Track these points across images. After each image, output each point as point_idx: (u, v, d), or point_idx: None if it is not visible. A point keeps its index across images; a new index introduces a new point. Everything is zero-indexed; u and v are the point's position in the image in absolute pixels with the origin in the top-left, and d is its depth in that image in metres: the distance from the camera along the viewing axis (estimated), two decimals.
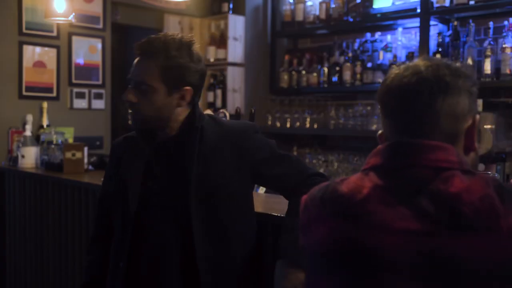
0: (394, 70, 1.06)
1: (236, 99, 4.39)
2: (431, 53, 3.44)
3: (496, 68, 3.18)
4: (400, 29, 3.81)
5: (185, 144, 1.55)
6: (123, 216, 1.57)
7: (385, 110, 1.06)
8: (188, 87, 1.53)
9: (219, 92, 4.41)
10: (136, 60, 1.55)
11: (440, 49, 3.42)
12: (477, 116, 1.05)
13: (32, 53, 3.72)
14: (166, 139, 1.58)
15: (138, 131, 1.60)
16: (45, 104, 3.72)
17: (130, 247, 1.55)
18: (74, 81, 3.93)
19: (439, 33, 3.46)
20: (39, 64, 3.76)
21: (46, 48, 3.79)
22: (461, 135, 1.02)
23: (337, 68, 4.02)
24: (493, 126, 3.01)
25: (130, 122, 1.60)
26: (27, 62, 3.70)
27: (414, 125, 1.01)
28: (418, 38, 3.54)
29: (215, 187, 1.53)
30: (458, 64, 1.06)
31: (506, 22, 3.17)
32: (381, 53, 3.80)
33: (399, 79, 1.03)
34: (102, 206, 1.73)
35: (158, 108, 1.52)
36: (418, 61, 1.05)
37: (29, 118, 3.56)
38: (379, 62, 3.82)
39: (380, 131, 1.10)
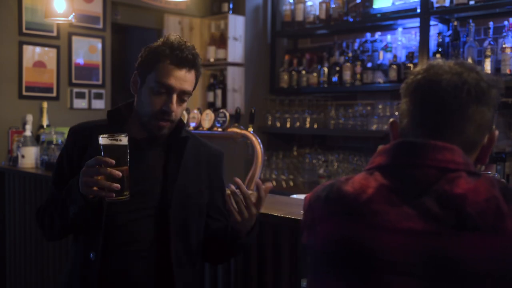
0: (425, 66, 1.04)
1: (236, 99, 4.39)
2: (431, 53, 3.44)
3: (496, 68, 3.18)
4: (400, 29, 3.81)
5: (170, 149, 1.63)
6: (96, 206, 1.53)
7: (414, 100, 1.03)
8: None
9: (219, 92, 4.41)
10: (180, 71, 1.55)
11: (440, 49, 3.42)
12: (496, 132, 1.04)
13: (32, 53, 3.72)
14: (147, 140, 1.63)
15: (151, 132, 1.62)
16: (45, 104, 3.72)
17: (103, 239, 1.55)
18: (74, 81, 3.93)
19: (439, 33, 3.46)
20: (39, 64, 3.76)
21: (46, 48, 3.79)
22: (478, 147, 1.02)
23: (337, 68, 4.02)
24: (493, 126, 3.01)
25: (161, 128, 1.59)
26: (27, 62, 3.70)
27: (437, 124, 1.00)
28: (418, 38, 3.54)
29: (189, 197, 1.61)
30: (491, 75, 1.05)
31: (506, 22, 3.17)
32: (381, 53, 3.80)
33: (438, 76, 1.01)
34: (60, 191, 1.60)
35: (180, 115, 1.64)
36: (452, 63, 1.03)
37: (29, 118, 3.56)
38: (379, 62, 3.82)
39: (392, 119, 1.10)
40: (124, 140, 1.43)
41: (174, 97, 1.55)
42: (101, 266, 1.53)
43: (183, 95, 1.57)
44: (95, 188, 1.40)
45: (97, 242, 1.53)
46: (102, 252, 1.53)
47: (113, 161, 1.39)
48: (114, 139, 1.42)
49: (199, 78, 1.62)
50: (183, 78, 1.55)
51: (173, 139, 1.64)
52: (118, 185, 1.39)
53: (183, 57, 1.54)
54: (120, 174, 1.39)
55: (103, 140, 1.42)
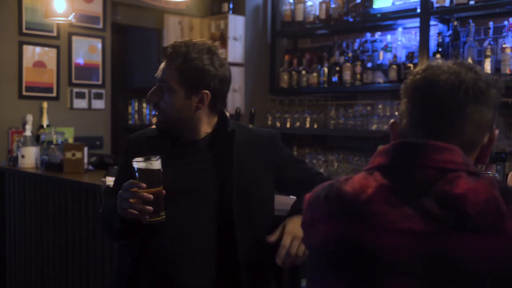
0: (424, 67, 1.04)
1: (236, 99, 4.39)
2: (431, 53, 3.44)
3: (496, 68, 3.17)
4: (400, 29, 3.81)
5: (219, 146, 1.62)
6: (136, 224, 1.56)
7: (412, 100, 1.03)
8: (206, 91, 1.59)
9: None
10: (163, 63, 1.63)
11: (440, 49, 3.42)
12: (496, 132, 1.04)
13: (32, 53, 3.72)
14: (193, 141, 1.63)
15: (161, 130, 1.66)
16: (45, 104, 3.72)
17: (141, 242, 1.57)
18: (74, 81, 3.93)
19: (439, 33, 3.46)
20: (39, 64, 3.76)
21: (46, 48, 3.79)
22: (477, 146, 1.02)
23: (337, 68, 4.02)
24: (494, 126, 3.01)
25: (155, 121, 1.65)
26: (27, 62, 3.70)
27: (436, 124, 0.99)
28: (418, 38, 3.54)
29: (249, 188, 1.60)
30: (491, 75, 1.04)
31: (506, 22, 3.16)
32: (381, 53, 3.80)
33: (436, 76, 1.01)
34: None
35: (177, 109, 1.59)
36: (451, 63, 1.03)
37: (29, 118, 3.56)
38: (379, 62, 3.81)
39: (392, 120, 1.10)
40: (155, 163, 1.46)
41: (154, 87, 1.61)
42: (135, 270, 1.56)
43: (162, 85, 1.59)
44: (130, 211, 1.43)
45: (133, 247, 1.58)
46: (138, 257, 1.57)
47: (144, 185, 1.42)
48: (146, 162, 1.45)
49: (189, 72, 1.57)
50: (162, 68, 1.61)
51: (220, 136, 1.63)
52: (151, 208, 1.42)
53: (163, 47, 1.63)
54: (152, 197, 1.42)
55: (136, 163, 1.46)
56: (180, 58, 1.57)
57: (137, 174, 1.46)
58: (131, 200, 1.42)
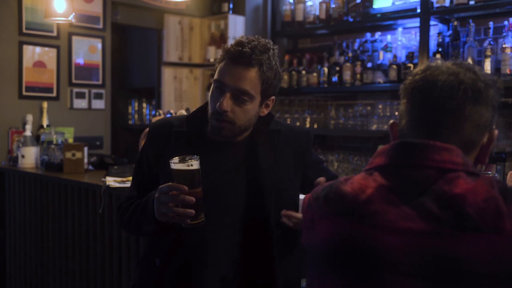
0: (423, 67, 1.04)
1: None
2: (431, 53, 3.44)
3: (496, 68, 3.17)
4: (400, 29, 3.81)
5: (257, 144, 1.55)
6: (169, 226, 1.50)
7: (411, 100, 1.03)
8: (273, 97, 1.54)
9: None
10: (233, 66, 1.46)
11: (440, 49, 3.42)
12: (495, 132, 1.04)
13: (32, 53, 3.72)
14: (230, 142, 1.55)
15: (223, 136, 1.52)
16: (45, 104, 3.72)
17: (172, 243, 1.51)
18: (74, 81, 3.93)
19: (439, 33, 3.46)
20: (39, 64, 3.76)
21: (46, 48, 3.79)
22: (477, 146, 1.02)
23: (337, 68, 4.02)
24: (493, 126, 3.01)
25: (219, 129, 1.48)
26: (27, 62, 3.71)
27: (435, 124, 1.00)
28: (418, 38, 3.54)
29: (281, 188, 1.55)
30: (490, 75, 1.05)
31: (506, 22, 3.16)
32: (381, 53, 3.80)
33: (434, 76, 1.01)
34: (140, 193, 1.58)
35: (249, 118, 1.50)
36: (450, 63, 1.03)
37: (29, 118, 3.56)
38: (379, 62, 3.81)
39: (392, 120, 1.10)
40: (195, 164, 1.37)
41: (226, 95, 1.44)
42: (164, 271, 1.50)
43: (240, 94, 1.45)
44: (170, 215, 1.36)
45: (163, 249, 1.52)
46: (167, 258, 1.51)
47: (186, 188, 1.34)
48: (185, 164, 1.36)
49: (270, 81, 1.48)
50: (238, 76, 1.44)
51: (259, 136, 1.56)
52: (193, 211, 1.34)
53: (238, 51, 1.44)
54: (194, 199, 1.34)
55: (174, 165, 1.36)
56: (264, 66, 1.46)
57: (175, 175, 1.36)
58: (170, 204, 1.35)
